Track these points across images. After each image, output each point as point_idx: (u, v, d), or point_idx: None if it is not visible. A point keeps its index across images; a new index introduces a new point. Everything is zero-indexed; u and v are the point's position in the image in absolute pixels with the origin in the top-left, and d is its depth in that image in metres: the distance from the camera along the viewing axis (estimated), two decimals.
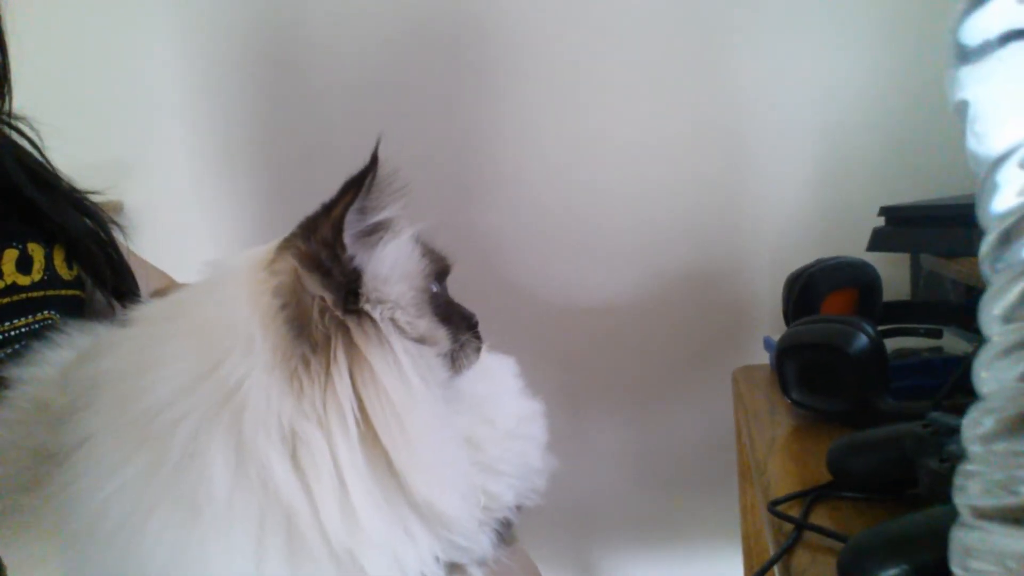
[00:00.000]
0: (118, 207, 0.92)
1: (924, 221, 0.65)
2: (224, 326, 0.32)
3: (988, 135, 0.25)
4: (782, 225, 0.92)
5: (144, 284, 0.57)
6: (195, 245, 0.97)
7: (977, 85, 0.26)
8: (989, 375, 0.25)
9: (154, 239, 0.90)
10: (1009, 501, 0.23)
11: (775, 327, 0.81)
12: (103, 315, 0.49)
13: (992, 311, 0.24)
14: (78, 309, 0.51)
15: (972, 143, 0.26)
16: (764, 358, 0.74)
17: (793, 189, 0.91)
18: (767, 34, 0.89)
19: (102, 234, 0.54)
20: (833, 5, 0.88)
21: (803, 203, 0.91)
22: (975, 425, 0.25)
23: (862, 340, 0.52)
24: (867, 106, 0.87)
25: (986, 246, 0.25)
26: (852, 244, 0.75)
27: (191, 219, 0.98)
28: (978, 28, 0.25)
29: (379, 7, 0.93)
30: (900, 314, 0.68)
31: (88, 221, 0.54)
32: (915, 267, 0.79)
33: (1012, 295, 0.24)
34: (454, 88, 0.94)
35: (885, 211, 0.69)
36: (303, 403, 0.31)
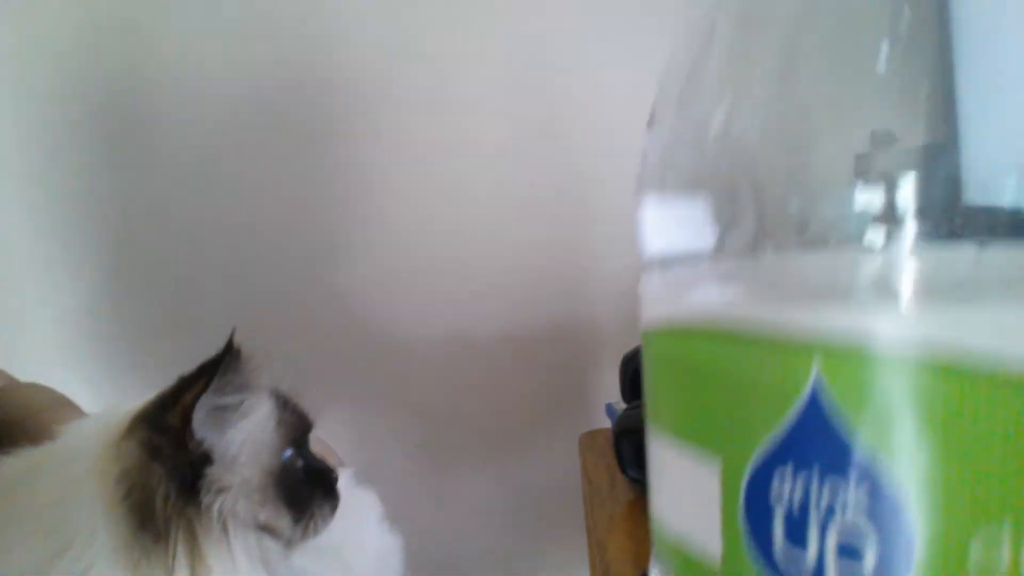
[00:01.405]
0: None
1: None
2: (72, 510, 0.32)
3: None
4: (629, 280, 1.00)
5: None
6: (33, 327, 0.92)
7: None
8: None
9: None
10: None
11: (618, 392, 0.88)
12: None
13: None
14: None
15: None
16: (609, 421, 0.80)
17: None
18: (613, 102, 0.97)
19: None
20: None
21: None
22: None
23: None
24: None
25: None
26: None
27: (29, 301, 0.93)
28: None
29: (233, 71, 0.94)
30: None
31: None
32: None
33: None
34: (311, 149, 0.96)
35: None
36: None
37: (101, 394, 0.97)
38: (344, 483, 0.42)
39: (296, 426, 0.40)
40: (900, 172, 0.19)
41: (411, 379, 1.01)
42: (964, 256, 0.19)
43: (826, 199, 0.21)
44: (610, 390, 1.01)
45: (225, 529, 0.33)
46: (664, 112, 0.28)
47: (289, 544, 0.36)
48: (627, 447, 0.62)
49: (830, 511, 0.18)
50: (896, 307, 0.18)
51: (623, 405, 0.75)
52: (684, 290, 0.24)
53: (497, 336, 1.01)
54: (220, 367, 0.33)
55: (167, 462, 0.32)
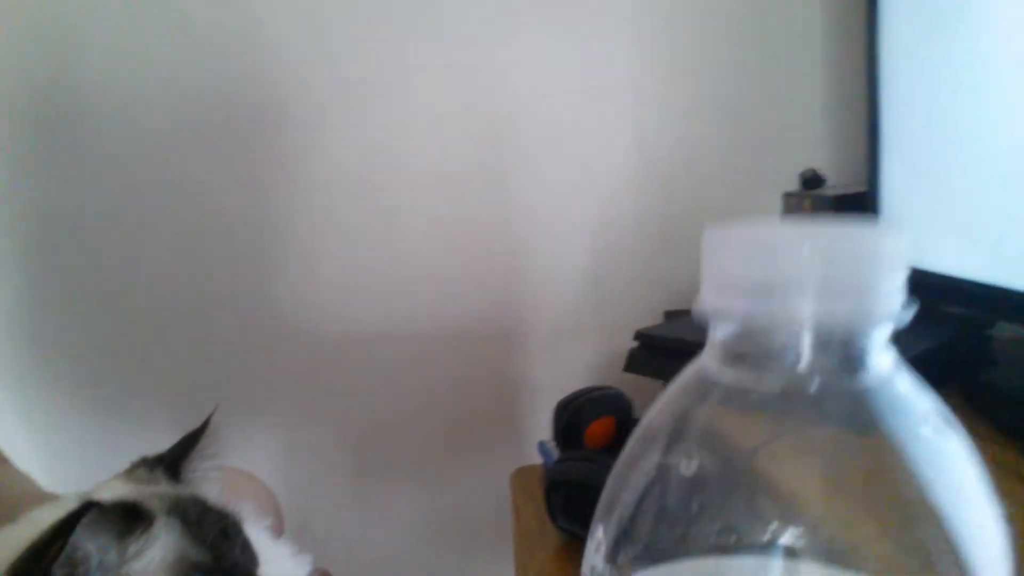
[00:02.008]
0: None
1: (670, 351, 0.76)
2: None
3: None
4: (559, 302, 1.03)
5: None
6: None
7: None
8: None
9: None
10: None
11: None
12: None
13: None
14: None
15: None
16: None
17: (568, 286, 1.02)
18: (543, 145, 0.99)
19: None
20: (602, 127, 1.00)
21: (579, 289, 1.03)
22: None
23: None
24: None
25: None
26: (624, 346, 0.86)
27: None
28: None
29: (167, 76, 0.93)
30: None
31: None
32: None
33: None
34: (245, 158, 0.96)
35: (638, 336, 0.79)
36: None
37: (23, 399, 0.95)
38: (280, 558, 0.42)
39: (206, 542, 0.39)
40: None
41: (340, 398, 1.02)
42: None
43: None
44: (539, 418, 1.03)
45: None
46: None
47: None
48: (558, 498, 0.64)
49: None
50: None
51: (553, 444, 0.77)
52: None
53: (428, 360, 1.02)
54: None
55: None
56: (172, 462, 0.51)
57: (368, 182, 0.99)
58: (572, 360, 1.03)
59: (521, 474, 0.81)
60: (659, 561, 0.18)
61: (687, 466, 0.17)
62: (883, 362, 0.16)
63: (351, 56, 0.96)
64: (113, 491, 0.46)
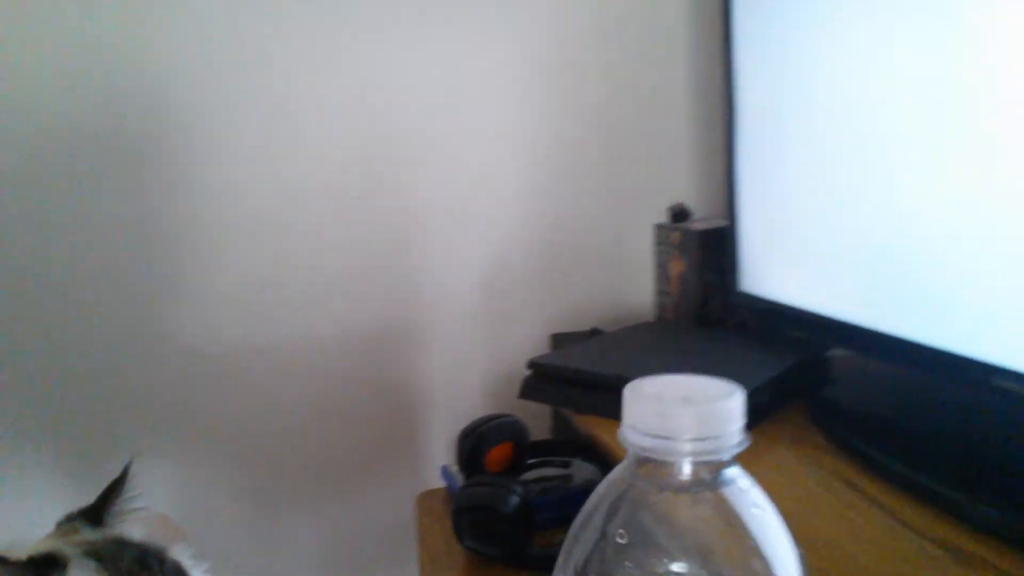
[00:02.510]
0: None
1: (562, 380, 0.84)
2: None
3: None
4: (454, 334, 1.08)
5: None
6: None
7: None
8: None
9: None
10: None
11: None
12: None
13: None
14: None
15: None
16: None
17: (463, 318, 1.08)
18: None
19: None
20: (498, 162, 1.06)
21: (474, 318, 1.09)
22: None
23: (514, 501, 0.69)
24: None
25: None
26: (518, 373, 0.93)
27: None
28: None
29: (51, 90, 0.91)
30: (543, 450, 0.87)
31: None
32: (554, 411, 1.00)
33: None
34: (135, 171, 0.96)
35: (531, 365, 0.87)
36: None
37: None
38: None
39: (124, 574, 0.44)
40: None
41: (236, 420, 1.02)
42: None
43: None
44: (436, 441, 1.09)
45: None
46: None
47: None
48: (466, 521, 0.71)
49: None
50: None
51: (456, 468, 0.83)
52: None
53: (324, 384, 1.04)
54: None
55: None
56: (95, 511, 0.55)
57: (248, 192, 0.99)
58: (466, 385, 1.09)
59: (426, 498, 0.87)
60: None
61: (621, 536, 0.24)
62: (732, 470, 0.24)
63: (228, 62, 0.96)
64: (35, 548, 0.50)
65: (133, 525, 0.55)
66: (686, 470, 0.26)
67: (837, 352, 0.88)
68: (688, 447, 0.25)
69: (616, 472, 0.27)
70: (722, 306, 1.02)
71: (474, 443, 0.78)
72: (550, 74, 1.08)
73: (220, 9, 0.95)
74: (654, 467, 0.26)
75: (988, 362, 0.57)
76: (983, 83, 0.57)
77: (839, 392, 0.81)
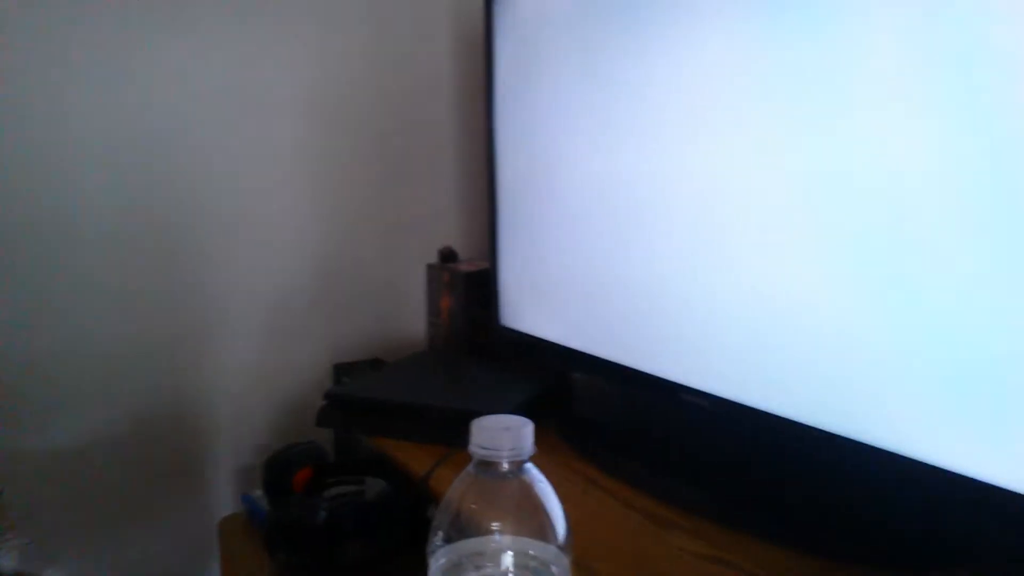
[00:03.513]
0: None
1: (354, 408, 0.96)
2: None
3: None
4: (243, 364, 1.14)
5: None
6: None
7: None
8: None
9: None
10: None
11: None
12: None
13: None
14: None
15: None
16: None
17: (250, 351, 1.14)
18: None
19: None
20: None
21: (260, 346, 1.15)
22: None
23: (322, 515, 0.80)
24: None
25: None
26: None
27: None
28: None
29: None
30: (337, 470, 0.99)
31: None
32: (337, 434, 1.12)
33: None
34: None
35: (328, 395, 0.98)
36: None
37: None
38: None
39: None
40: None
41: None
42: None
43: None
44: (224, 472, 1.12)
45: None
46: None
47: None
48: (281, 535, 0.81)
49: None
50: None
51: (260, 494, 0.93)
52: None
53: (114, 412, 1.03)
54: None
55: None
56: None
57: (16, 198, 0.96)
58: (249, 414, 1.13)
59: (229, 523, 0.94)
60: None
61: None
62: (528, 465, 0.41)
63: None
64: None
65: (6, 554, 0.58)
66: (504, 466, 0.44)
67: (579, 376, 1.09)
68: (506, 453, 0.43)
69: (465, 470, 0.43)
70: (487, 337, 1.20)
71: (282, 467, 0.88)
72: (326, 111, 1.16)
73: None
74: (487, 465, 0.44)
75: (675, 381, 0.79)
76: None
77: (580, 410, 1.02)
